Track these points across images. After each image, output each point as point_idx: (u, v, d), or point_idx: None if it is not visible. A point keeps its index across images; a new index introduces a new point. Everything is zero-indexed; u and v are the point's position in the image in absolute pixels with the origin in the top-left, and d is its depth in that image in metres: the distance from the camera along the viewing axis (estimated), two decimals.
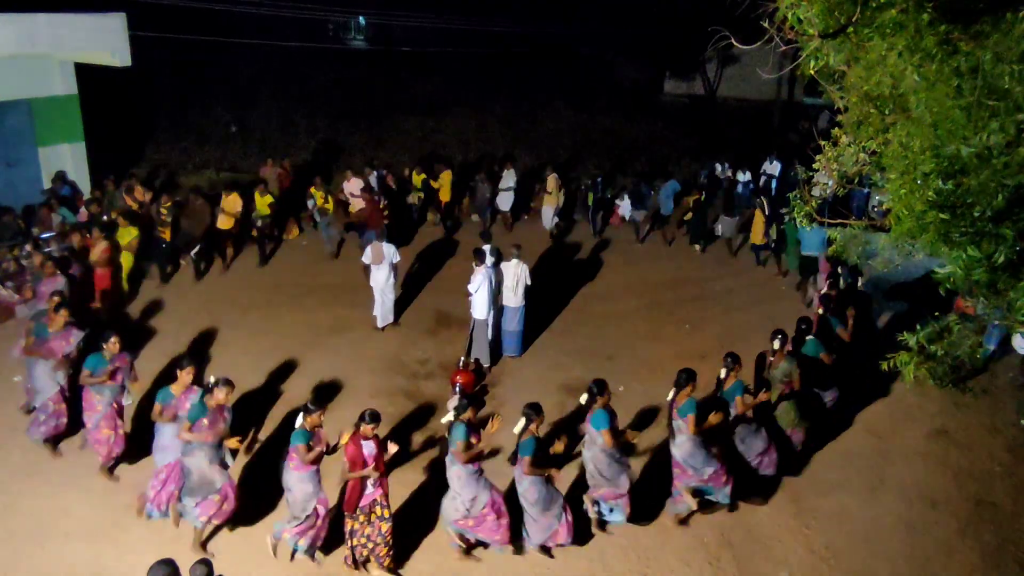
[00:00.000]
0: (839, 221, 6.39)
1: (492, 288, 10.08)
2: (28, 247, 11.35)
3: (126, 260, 11.57)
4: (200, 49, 19.92)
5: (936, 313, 5.22)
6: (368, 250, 10.93)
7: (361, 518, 6.50)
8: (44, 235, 11.78)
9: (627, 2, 24.03)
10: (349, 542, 6.62)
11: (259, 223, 13.16)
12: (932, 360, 5.14)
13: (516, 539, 6.98)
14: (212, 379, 6.75)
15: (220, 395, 6.69)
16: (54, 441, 8.16)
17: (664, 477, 7.70)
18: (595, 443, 7.06)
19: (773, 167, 16.97)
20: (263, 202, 13.10)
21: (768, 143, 19.99)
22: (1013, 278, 4.56)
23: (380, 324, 11.17)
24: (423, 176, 15.04)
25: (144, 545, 6.94)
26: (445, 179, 14.93)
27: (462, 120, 22.72)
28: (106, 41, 12.79)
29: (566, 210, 15.86)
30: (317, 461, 6.55)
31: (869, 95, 4.76)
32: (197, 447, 6.66)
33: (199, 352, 10.36)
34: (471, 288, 10.05)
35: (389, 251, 10.86)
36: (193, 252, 12.62)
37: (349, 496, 6.44)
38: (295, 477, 6.52)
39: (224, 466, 6.83)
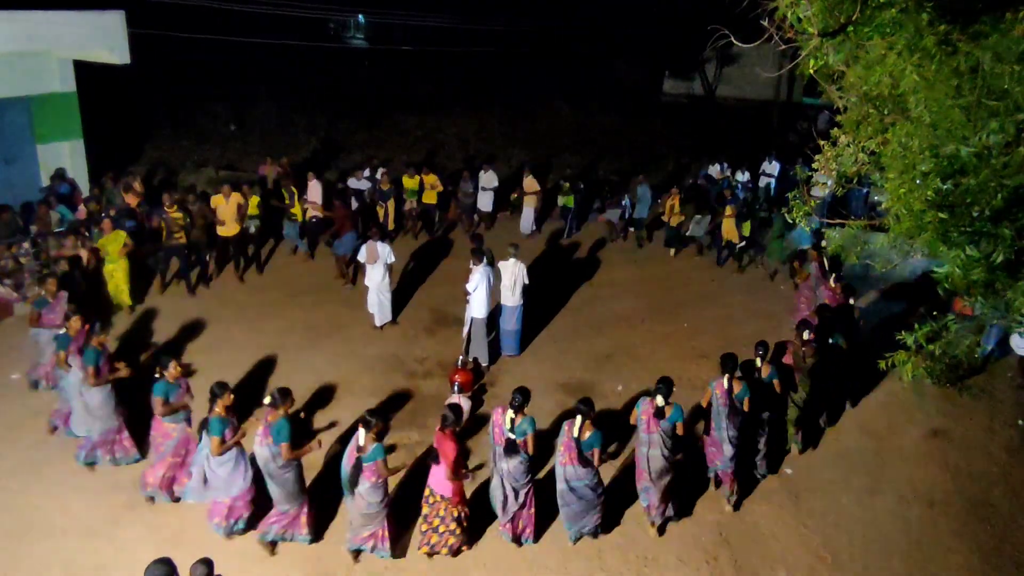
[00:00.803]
0: (838, 221, 6.39)
1: (490, 287, 10.08)
2: (26, 245, 11.34)
3: (121, 267, 11.06)
4: (199, 47, 19.90)
5: (934, 312, 5.22)
6: (363, 249, 10.93)
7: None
8: (41, 234, 11.75)
9: (627, 2, 24.04)
10: (452, 530, 6.85)
11: (251, 229, 12.82)
12: (930, 360, 5.15)
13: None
14: (268, 399, 6.71)
15: (288, 406, 6.70)
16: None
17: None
18: (664, 442, 7.11)
19: (772, 167, 16.99)
20: (251, 203, 12.81)
21: (767, 143, 20.02)
22: (1011, 278, 4.56)
23: (378, 323, 11.16)
24: (417, 179, 14.85)
25: (141, 543, 6.94)
26: (432, 183, 14.74)
27: (462, 119, 22.73)
28: (105, 38, 12.76)
29: (545, 211, 15.72)
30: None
31: (868, 95, 4.77)
32: (293, 464, 6.71)
33: (197, 351, 10.37)
34: (469, 287, 10.04)
35: (384, 251, 10.85)
36: (209, 257, 12.33)
37: (459, 488, 6.80)
38: (372, 489, 6.53)
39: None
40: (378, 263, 10.79)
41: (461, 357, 9.88)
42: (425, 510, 6.85)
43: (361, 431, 6.50)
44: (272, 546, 6.95)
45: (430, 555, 6.93)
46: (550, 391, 9.69)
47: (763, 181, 17.05)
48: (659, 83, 28.75)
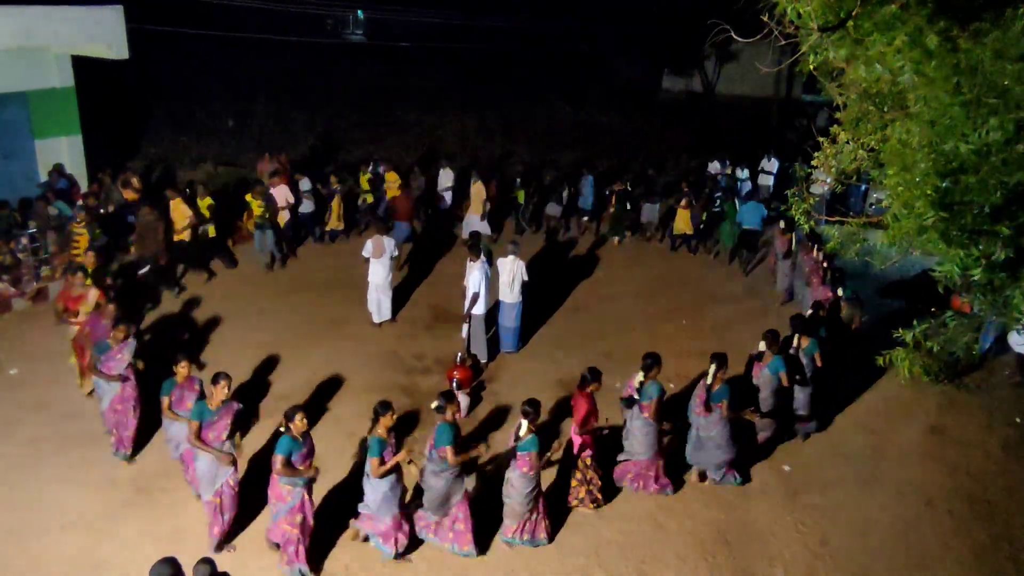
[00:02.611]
0: (837, 218, 6.39)
1: (488, 283, 10.07)
2: (24, 240, 11.32)
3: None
4: (198, 42, 19.84)
5: (933, 309, 5.23)
6: (369, 244, 10.88)
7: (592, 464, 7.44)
8: (39, 229, 11.72)
9: None
10: (587, 488, 7.44)
11: (200, 230, 12.10)
12: (928, 356, 5.14)
13: None
14: (435, 403, 6.72)
15: (455, 409, 6.76)
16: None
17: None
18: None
19: (771, 164, 17.00)
20: (202, 204, 12.25)
21: (766, 140, 20.00)
22: (1010, 276, 4.56)
23: (377, 320, 11.15)
24: (368, 176, 14.43)
25: (140, 539, 6.95)
26: (392, 181, 14.31)
27: (461, 116, 22.69)
28: (103, 33, 12.72)
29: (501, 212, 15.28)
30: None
31: (868, 92, 4.76)
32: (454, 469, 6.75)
33: (193, 348, 10.35)
34: (470, 284, 10.01)
35: (389, 245, 10.85)
36: (143, 272, 11.54)
37: (588, 443, 7.35)
38: (522, 478, 6.77)
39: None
40: (384, 257, 10.77)
41: (460, 354, 9.87)
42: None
43: (523, 421, 6.70)
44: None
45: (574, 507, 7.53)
46: (548, 388, 9.69)
47: (762, 178, 17.07)
48: (658, 80, 28.71)
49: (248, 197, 12.82)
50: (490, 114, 22.92)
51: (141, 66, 16.14)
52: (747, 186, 16.84)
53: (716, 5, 6.85)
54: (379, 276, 10.90)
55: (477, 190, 14.06)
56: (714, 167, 17.26)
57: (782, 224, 12.26)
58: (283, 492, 6.42)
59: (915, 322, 5.01)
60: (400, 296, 12.02)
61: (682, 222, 14.26)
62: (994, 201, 4.11)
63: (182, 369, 7.23)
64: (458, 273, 11.02)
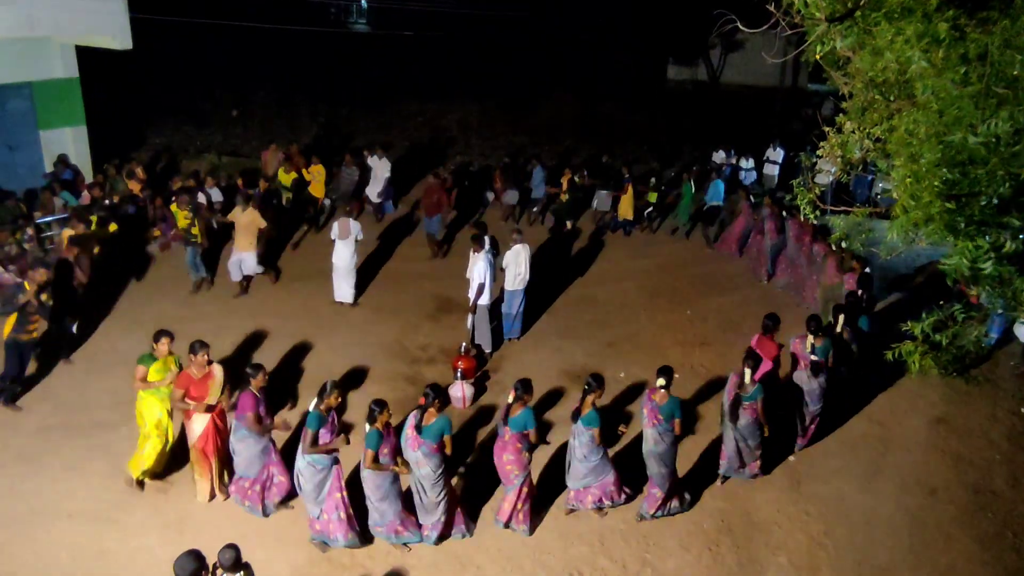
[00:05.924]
0: (842, 208, 6.36)
1: (493, 273, 10.06)
2: (30, 231, 11.34)
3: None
4: (202, 32, 19.84)
5: (941, 302, 5.20)
6: (335, 225, 10.97)
7: None
8: (45, 219, 11.75)
9: None
10: None
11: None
12: (936, 349, 5.12)
13: None
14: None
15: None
16: None
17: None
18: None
19: (776, 154, 16.95)
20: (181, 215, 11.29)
21: (772, 130, 19.94)
22: (1018, 268, 4.53)
23: (338, 299, 11.25)
24: (293, 176, 13.80)
25: (146, 528, 6.99)
26: (317, 173, 13.84)
27: (464, 105, 22.64)
28: (107, 24, 12.71)
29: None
30: None
31: (875, 81, 4.73)
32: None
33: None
34: (475, 275, 10.00)
35: (355, 227, 10.98)
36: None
37: None
38: (755, 424, 7.43)
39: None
40: (349, 239, 10.89)
41: (464, 343, 9.88)
42: None
43: (747, 371, 7.20)
44: None
45: None
46: (552, 378, 9.70)
47: (768, 168, 17.03)
48: (663, 69, 28.59)
49: (172, 207, 11.65)
50: (493, 102, 22.86)
51: (145, 56, 16.11)
52: (752, 175, 16.85)
53: None
54: (344, 258, 10.98)
55: (250, 219, 11.08)
56: (719, 157, 17.23)
57: (750, 198, 13.23)
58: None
59: (924, 315, 4.99)
60: (404, 286, 12.03)
61: (625, 207, 14.56)
62: (1002, 193, 4.09)
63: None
64: (461, 264, 11.00)
